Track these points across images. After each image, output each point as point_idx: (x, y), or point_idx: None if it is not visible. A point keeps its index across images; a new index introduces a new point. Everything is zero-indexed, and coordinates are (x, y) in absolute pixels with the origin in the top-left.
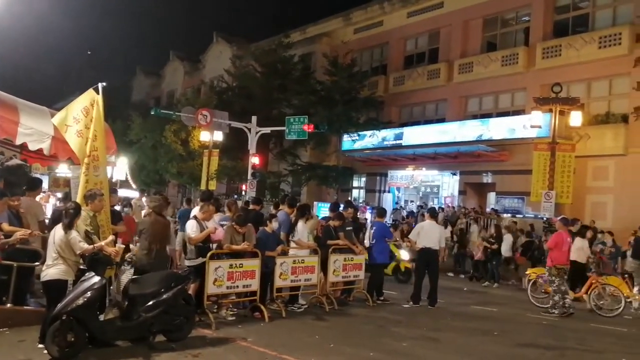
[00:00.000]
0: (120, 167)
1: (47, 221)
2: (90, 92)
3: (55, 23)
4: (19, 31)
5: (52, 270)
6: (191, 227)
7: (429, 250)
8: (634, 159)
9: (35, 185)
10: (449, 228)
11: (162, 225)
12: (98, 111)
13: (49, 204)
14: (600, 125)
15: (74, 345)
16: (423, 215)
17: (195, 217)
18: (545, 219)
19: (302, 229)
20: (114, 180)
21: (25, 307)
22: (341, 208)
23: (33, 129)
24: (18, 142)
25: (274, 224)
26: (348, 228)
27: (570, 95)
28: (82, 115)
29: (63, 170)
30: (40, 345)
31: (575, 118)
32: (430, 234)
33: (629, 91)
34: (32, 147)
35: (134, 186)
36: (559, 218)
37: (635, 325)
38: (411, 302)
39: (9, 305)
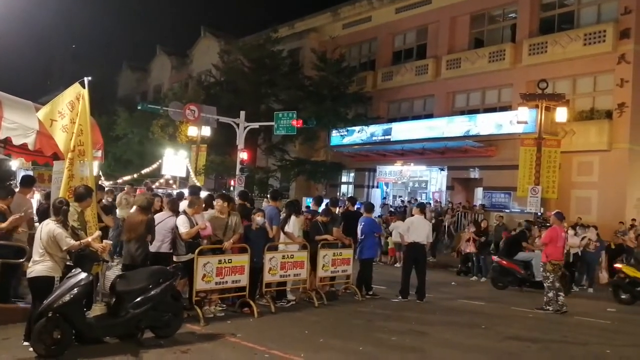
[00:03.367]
0: (179, 162)
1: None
2: (76, 86)
3: (38, 16)
4: (1, 24)
5: (38, 266)
6: (182, 222)
7: (418, 245)
8: (618, 154)
9: (28, 183)
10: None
11: (138, 221)
12: (84, 105)
13: (34, 199)
14: (585, 121)
15: (61, 342)
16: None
17: (184, 212)
18: (539, 214)
19: (294, 224)
20: (165, 177)
21: (9, 305)
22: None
23: (17, 123)
24: (2, 136)
25: (258, 219)
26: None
27: (556, 91)
28: (67, 109)
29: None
30: (26, 343)
31: (561, 114)
32: (419, 229)
33: (613, 88)
34: (16, 141)
35: (197, 183)
36: (553, 213)
37: (618, 318)
38: (400, 297)
39: None
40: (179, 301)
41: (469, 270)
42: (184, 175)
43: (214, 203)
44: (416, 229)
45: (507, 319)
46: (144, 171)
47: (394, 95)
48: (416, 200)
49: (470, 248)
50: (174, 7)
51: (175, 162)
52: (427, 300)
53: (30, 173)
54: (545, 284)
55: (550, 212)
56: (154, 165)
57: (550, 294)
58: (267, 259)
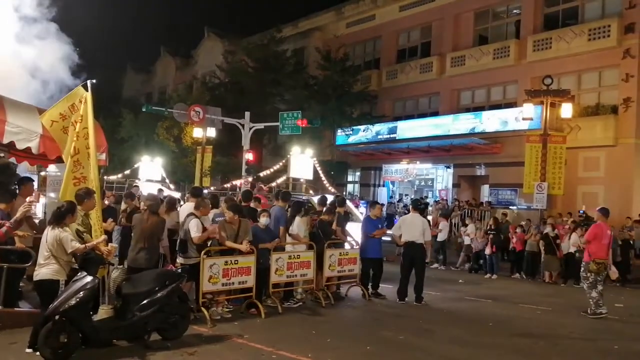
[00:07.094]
0: (306, 162)
1: (37, 221)
2: (79, 89)
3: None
4: None
5: (44, 270)
6: (194, 225)
7: (414, 244)
8: (624, 149)
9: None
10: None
11: (152, 223)
12: (87, 109)
13: (39, 203)
14: (590, 117)
15: (67, 346)
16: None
17: (194, 215)
18: (582, 211)
19: (299, 225)
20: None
21: (16, 309)
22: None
23: (21, 127)
24: (5, 140)
25: (263, 220)
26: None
27: (561, 87)
28: (69, 112)
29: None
30: (29, 350)
31: (566, 110)
32: (412, 227)
33: (618, 82)
34: (20, 145)
35: (335, 191)
36: (598, 209)
37: (626, 313)
38: (397, 299)
39: None
40: (185, 303)
41: (480, 267)
42: (310, 177)
43: (224, 211)
44: (409, 228)
45: (516, 316)
46: (262, 173)
47: (399, 93)
48: (425, 197)
49: (487, 249)
50: (177, 8)
51: (302, 162)
52: (435, 298)
53: (35, 176)
54: (584, 285)
55: (594, 208)
56: (276, 167)
57: (594, 294)
58: (274, 259)
